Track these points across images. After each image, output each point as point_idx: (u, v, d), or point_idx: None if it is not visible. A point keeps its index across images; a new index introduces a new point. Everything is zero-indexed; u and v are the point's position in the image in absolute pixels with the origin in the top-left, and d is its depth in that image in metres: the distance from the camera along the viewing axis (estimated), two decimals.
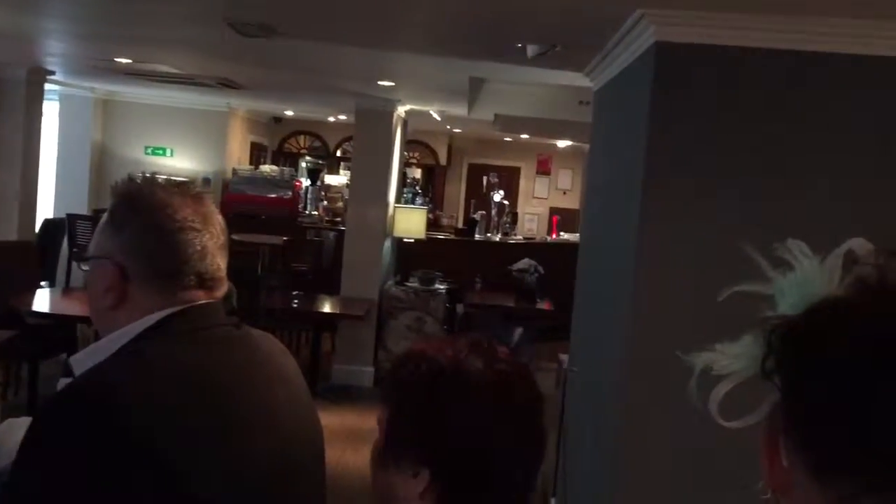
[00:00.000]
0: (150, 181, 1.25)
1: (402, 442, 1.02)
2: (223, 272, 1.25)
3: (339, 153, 12.91)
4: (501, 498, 1.01)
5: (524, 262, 8.00)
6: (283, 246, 8.37)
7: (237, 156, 10.49)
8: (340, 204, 10.79)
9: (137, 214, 1.21)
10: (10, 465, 1.08)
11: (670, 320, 2.81)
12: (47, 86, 7.58)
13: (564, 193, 13.37)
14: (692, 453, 2.80)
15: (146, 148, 9.86)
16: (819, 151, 2.72)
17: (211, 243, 1.22)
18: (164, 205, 1.21)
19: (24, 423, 1.15)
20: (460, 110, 7.91)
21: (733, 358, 0.67)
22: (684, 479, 2.82)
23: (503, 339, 1.03)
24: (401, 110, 7.77)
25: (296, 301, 7.10)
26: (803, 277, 0.65)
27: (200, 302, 1.20)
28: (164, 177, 1.32)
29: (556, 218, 11.74)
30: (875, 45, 2.69)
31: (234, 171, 9.97)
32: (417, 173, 13.10)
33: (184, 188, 1.26)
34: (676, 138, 2.81)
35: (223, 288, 1.26)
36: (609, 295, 3.33)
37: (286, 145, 12.89)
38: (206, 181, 9.48)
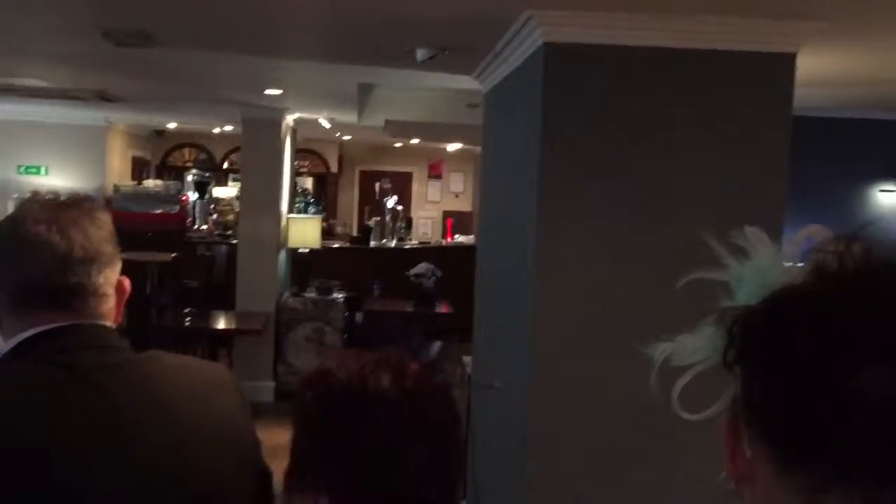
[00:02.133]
0: (27, 198, 1.17)
1: (303, 466, 0.97)
2: (90, 286, 1.14)
3: (226, 165, 12.59)
4: None
5: (421, 267, 8.00)
6: (173, 263, 8.08)
7: (118, 172, 10.08)
8: (231, 217, 10.52)
9: None
10: None
11: (572, 318, 2.85)
12: None
13: (457, 196, 13.47)
14: (601, 453, 2.84)
15: (18, 167, 9.35)
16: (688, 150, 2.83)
17: (68, 256, 1.12)
18: (14, 218, 1.15)
19: None
20: (350, 117, 7.83)
21: (694, 349, 0.65)
22: (594, 480, 2.86)
23: (419, 353, 0.99)
24: (289, 119, 7.64)
25: (188, 319, 6.87)
26: (761, 265, 0.64)
27: (57, 325, 1.11)
28: (51, 192, 1.21)
29: (449, 221, 11.81)
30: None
31: (116, 188, 9.58)
32: (308, 183, 12.91)
33: (47, 198, 1.18)
34: (569, 136, 2.85)
35: (97, 305, 1.16)
36: (510, 295, 3.35)
37: (170, 159, 12.47)
38: None
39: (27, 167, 9.37)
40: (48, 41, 4.15)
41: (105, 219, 1.21)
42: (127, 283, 1.23)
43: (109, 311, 1.19)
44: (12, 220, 1.15)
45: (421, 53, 3.63)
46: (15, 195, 8.92)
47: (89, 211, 1.18)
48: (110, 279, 1.18)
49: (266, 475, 1.25)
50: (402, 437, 0.95)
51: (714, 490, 0.70)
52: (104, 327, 1.16)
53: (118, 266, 1.20)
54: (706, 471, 0.77)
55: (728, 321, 0.63)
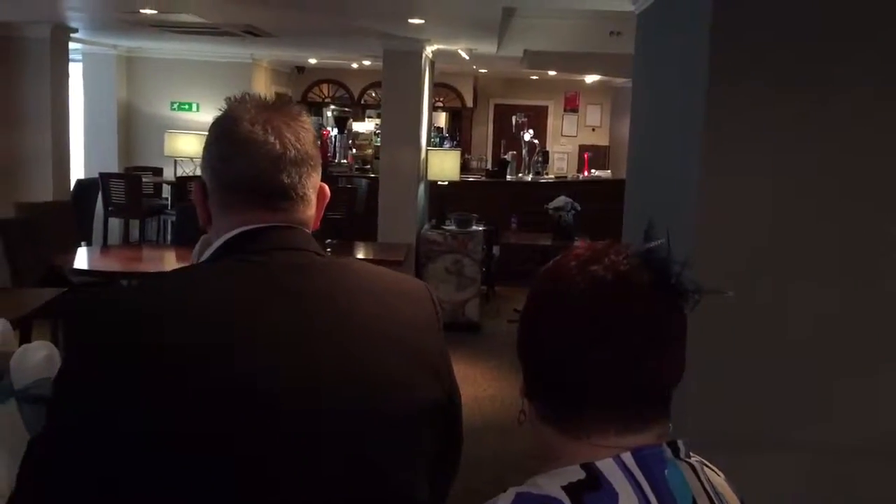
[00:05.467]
0: (238, 99, 1.18)
1: (523, 361, 0.98)
2: (300, 189, 1.15)
3: (363, 101, 12.77)
4: (612, 412, 0.93)
5: (560, 200, 7.89)
6: None
7: None
8: (370, 151, 10.69)
9: (210, 131, 1.18)
10: (32, 384, 1.24)
11: (739, 243, 2.71)
12: (70, 45, 7.51)
13: (593, 130, 13.16)
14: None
15: (172, 103, 9.80)
16: None
17: (282, 156, 1.13)
18: (229, 117, 1.15)
19: (37, 347, 1.30)
20: (488, 48, 7.73)
21: None
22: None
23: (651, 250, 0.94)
24: (428, 51, 7.62)
25: (329, 249, 7.07)
26: None
27: (259, 226, 1.13)
28: (258, 95, 1.22)
29: (587, 155, 11.57)
30: None
31: None
32: (442, 119, 12.93)
33: (257, 99, 1.18)
34: (741, 58, 2.67)
35: (303, 209, 1.17)
36: (667, 220, 3.24)
37: (310, 95, 12.76)
38: None
39: (180, 104, 9.81)
40: None
41: (310, 123, 1.21)
42: (327, 189, 1.23)
43: (311, 217, 1.19)
44: (227, 119, 1.15)
45: None
46: (169, 130, 9.41)
47: (298, 115, 1.18)
48: (315, 183, 1.19)
49: (453, 391, 1.24)
50: (595, 325, 0.92)
51: None
52: (304, 232, 1.17)
53: (321, 171, 1.21)
54: None
55: None
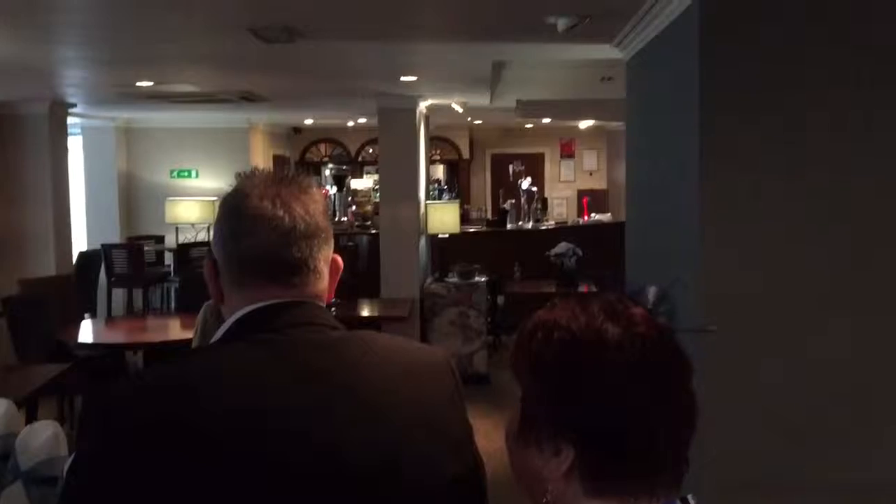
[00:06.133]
0: (246, 174, 1.17)
1: (539, 419, 0.95)
2: (311, 262, 1.14)
3: (360, 158, 12.88)
4: (648, 471, 0.92)
5: (562, 247, 7.89)
6: None
7: None
8: (369, 208, 10.74)
9: (219, 208, 1.17)
10: (38, 464, 1.24)
11: (743, 278, 2.71)
12: (69, 119, 7.61)
13: (591, 174, 13.23)
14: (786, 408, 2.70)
15: (171, 171, 9.88)
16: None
17: (293, 230, 1.11)
18: (238, 193, 1.14)
19: (43, 426, 1.23)
20: (482, 100, 7.83)
21: None
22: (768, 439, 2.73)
23: (637, 299, 0.94)
24: (422, 106, 7.71)
25: (334, 309, 7.05)
26: None
27: (271, 303, 1.12)
28: (266, 169, 1.21)
29: (585, 199, 11.61)
30: None
31: None
32: (440, 170, 13.02)
33: (266, 173, 1.18)
34: (730, 96, 2.70)
35: (315, 282, 1.15)
36: (669, 265, 3.24)
37: (308, 155, 12.87)
38: None
39: (179, 171, 9.89)
40: (199, 42, 4.34)
41: (321, 196, 1.20)
42: (340, 261, 1.21)
43: (323, 290, 1.18)
44: (236, 195, 1.14)
45: (562, 23, 3.55)
46: (170, 198, 9.48)
47: (308, 188, 1.17)
48: (327, 256, 1.17)
49: (478, 463, 1.21)
50: (628, 376, 0.92)
51: None
52: (317, 306, 1.15)
53: (332, 243, 1.19)
54: None
55: None
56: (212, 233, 1.18)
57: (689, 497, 0.94)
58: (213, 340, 1.17)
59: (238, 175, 1.18)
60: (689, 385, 0.95)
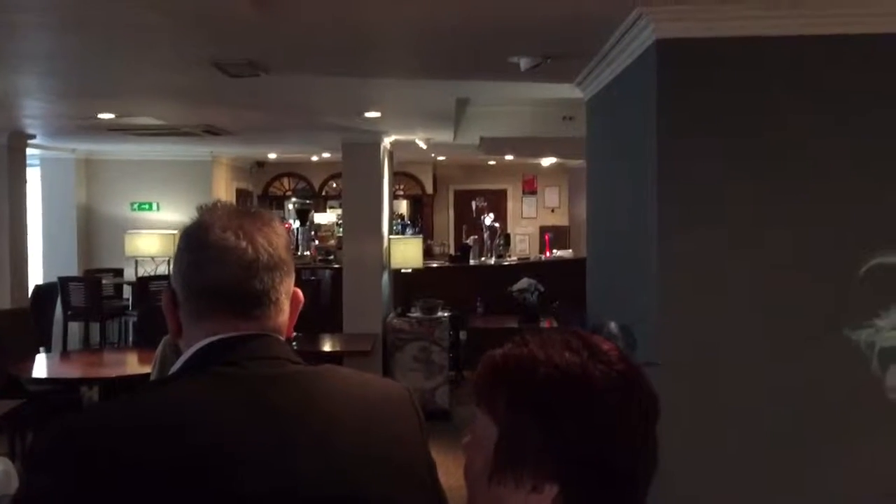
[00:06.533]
0: (209, 207, 1.17)
1: (521, 455, 0.92)
2: (273, 294, 1.13)
3: (324, 192, 12.87)
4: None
5: (524, 282, 7.94)
6: None
7: None
8: (333, 242, 10.73)
9: (180, 239, 1.17)
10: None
11: (699, 319, 2.76)
12: (28, 150, 7.52)
13: (553, 211, 13.37)
14: (730, 448, 2.74)
15: (132, 204, 9.77)
16: (838, 134, 2.70)
17: (255, 261, 1.11)
18: (200, 225, 1.14)
19: None
20: (445, 136, 7.89)
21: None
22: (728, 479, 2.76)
23: (600, 333, 0.95)
24: (386, 142, 7.75)
25: (295, 342, 7.00)
26: None
27: (230, 335, 1.11)
28: (229, 202, 1.21)
29: (547, 236, 11.72)
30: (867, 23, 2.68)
31: None
32: (403, 206, 13.06)
33: (229, 206, 1.17)
34: (686, 136, 2.77)
35: (276, 315, 1.14)
36: (630, 300, 3.28)
37: (271, 189, 12.84)
38: None
39: (140, 204, 9.79)
40: (162, 75, 4.33)
41: (283, 229, 1.20)
42: (300, 294, 1.21)
43: (284, 323, 1.17)
44: (198, 227, 1.14)
45: (525, 63, 3.62)
46: (129, 231, 9.37)
47: (270, 220, 1.17)
48: (288, 289, 1.17)
49: (441, 499, 1.20)
50: (617, 417, 0.93)
51: None
52: (277, 339, 1.15)
53: (294, 277, 1.19)
54: None
55: None
56: (171, 265, 1.16)
57: None
58: (171, 372, 1.15)
59: (200, 207, 1.17)
60: (656, 421, 0.97)
